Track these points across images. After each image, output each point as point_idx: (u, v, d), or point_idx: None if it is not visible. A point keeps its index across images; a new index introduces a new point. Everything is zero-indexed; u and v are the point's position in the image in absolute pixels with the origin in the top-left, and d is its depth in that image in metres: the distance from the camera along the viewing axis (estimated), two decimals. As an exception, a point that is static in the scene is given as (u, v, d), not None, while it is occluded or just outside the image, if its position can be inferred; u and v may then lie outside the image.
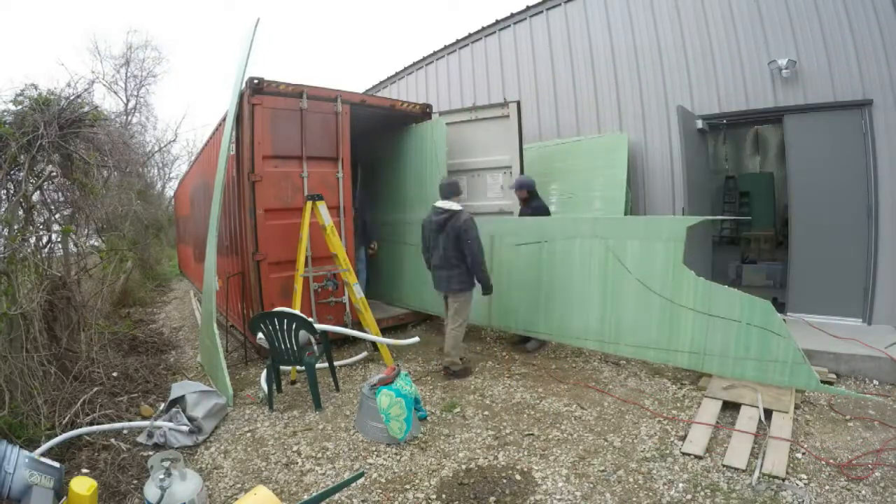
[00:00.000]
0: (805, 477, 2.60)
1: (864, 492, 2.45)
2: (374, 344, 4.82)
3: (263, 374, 4.14)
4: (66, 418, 3.19)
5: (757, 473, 2.61)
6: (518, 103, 5.55)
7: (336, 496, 2.60)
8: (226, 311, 6.14)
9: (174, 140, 23.18)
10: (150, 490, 2.33)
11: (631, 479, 2.68)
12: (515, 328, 4.99)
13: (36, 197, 3.76)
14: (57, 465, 2.44)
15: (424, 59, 9.13)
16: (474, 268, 4.20)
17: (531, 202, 5.07)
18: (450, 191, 4.33)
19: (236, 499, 2.57)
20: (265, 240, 4.75)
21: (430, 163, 5.65)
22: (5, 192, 3.59)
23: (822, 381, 3.41)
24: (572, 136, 6.72)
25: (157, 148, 18.99)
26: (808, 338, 4.24)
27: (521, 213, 5.19)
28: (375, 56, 59.15)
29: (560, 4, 6.88)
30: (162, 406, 3.67)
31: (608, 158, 5.91)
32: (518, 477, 2.77)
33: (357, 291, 4.62)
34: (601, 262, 4.20)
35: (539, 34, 7.18)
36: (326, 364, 4.14)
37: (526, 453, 3.02)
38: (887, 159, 4.64)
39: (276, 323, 3.69)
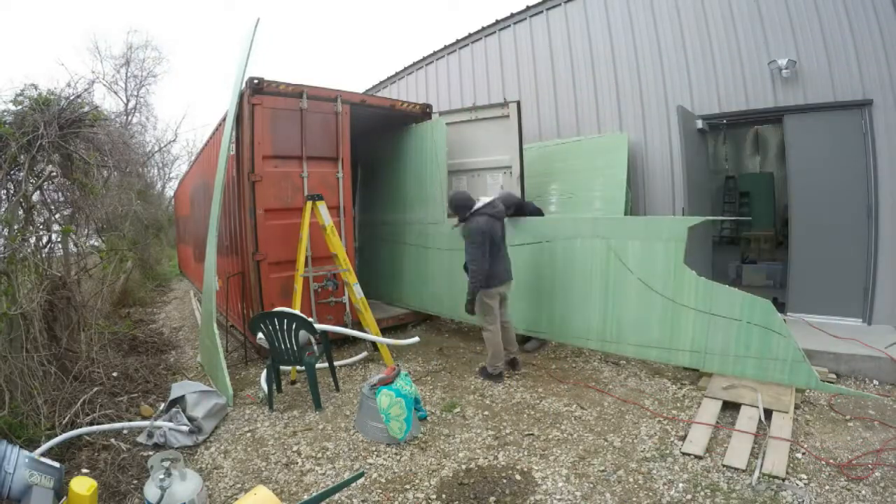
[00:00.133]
0: (805, 477, 2.60)
1: (864, 492, 2.45)
2: (374, 344, 4.82)
3: (263, 374, 4.14)
4: (66, 418, 3.19)
5: (757, 473, 2.61)
6: (518, 103, 5.54)
7: (336, 496, 2.60)
8: (226, 311, 6.14)
9: (174, 140, 23.21)
10: (150, 490, 2.33)
11: (631, 479, 2.68)
12: (516, 328, 4.98)
13: (36, 197, 3.76)
14: (57, 465, 2.44)
15: (424, 59, 9.13)
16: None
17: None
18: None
19: (236, 499, 2.57)
20: (265, 240, 4.75)
21: (430, 163, 5.65)
22: (5, 192, 3.59)
23: (822, 381, 3.41)
24: (572, 136, 6.72)
25: (157, 148, 19.02)
26: (808, 338, 4.24)
27: None
28: (375, 56, 59.16)
29: (560, 4, 6.87)
30: (162, 406, 3.67)
31: (608, 158, 5.90)
32: (518, 477, 2.77)
33: (357, 291, 4.62)
34: (602, 261, 4.20)
35: (539, 34, 7.18)
36: (326, 364, 4.14)
37: (526, 453, 3.02)
38: (887, 159, 4.64)
39: (276, 323, 3.69)
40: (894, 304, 4.63)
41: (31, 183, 3.61)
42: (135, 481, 2.83)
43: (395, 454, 3.07)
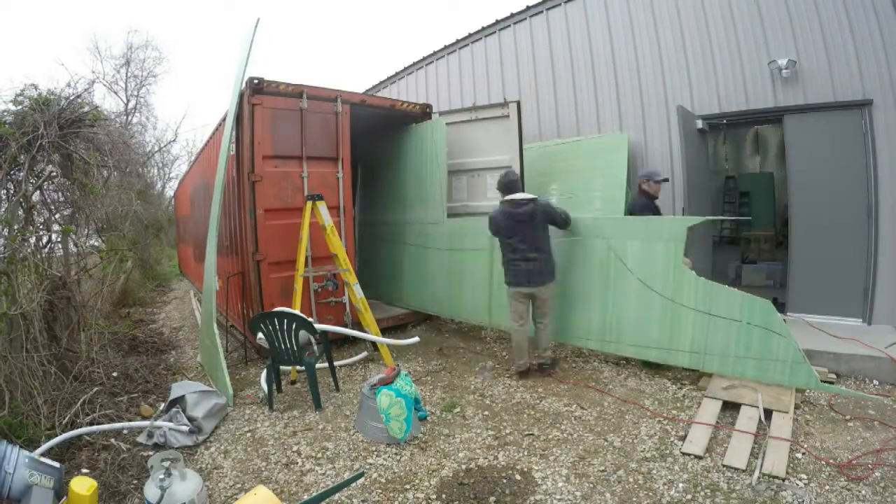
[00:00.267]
0: (805, 477, 2.59)
1: (864, 492, 2.45)
2: (374, 344, 4.81)
3: (263, 374, 4.14)
4: (66, 418, 3.19)
5: (757, 473, 2.61)
6: (518, 103, 5.54)
7: (336, 496, 2.60)
8: (226, 311, 6.14)
9: (174, 140, 23.23)
10: (150, 490, 2.33)
11: (631, 479, 2.68)
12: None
13: (36, 197, 3.76)
14: (57, 465, 2.44)
15: (424, 59, 9.13)
16: (567, 222, 4.33)
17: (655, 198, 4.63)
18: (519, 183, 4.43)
19: (236, 499, 2.57)
20: (265, 240, 4.75)
21: (430, 163, 5.65)
22: (5, 192, 3.59)
23: (822, 381, 3.41)
24: (572, 136, 6.71)
25: (157, 148, 19.03)
26: (808, 338, 4.24)
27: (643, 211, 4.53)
28: (375, 56, 59.20)
29: (560, 4, 6.87)
30: (162, 406, 3.67)
31: (608, 158, 5.90)
32: (518, 477, 2.77)
33: (357, 291, 4.62)
34: (602, 261, 4.20)
35: (539, 34, 7.17)
36: (326, 364, 4.14)
37: (526, 453, 3.02)
38: (887, 159, 4.63)
39: (276, 323, 3.69)
40: (894, 304, 4.62)
41: (31, 183, 3.61)
42: (135, 481, 2.83)
43: (395, 454, 3.07)
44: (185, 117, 49.39)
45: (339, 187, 5.28)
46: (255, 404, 3.94)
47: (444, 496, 2.62)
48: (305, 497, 2.60)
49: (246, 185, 4.70)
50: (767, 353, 3.36)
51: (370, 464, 2.98)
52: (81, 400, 3.37)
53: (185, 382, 3.92)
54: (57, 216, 4.12)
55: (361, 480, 2.75)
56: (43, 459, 2.41)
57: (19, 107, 3.61)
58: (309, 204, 4.52)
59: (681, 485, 2.59)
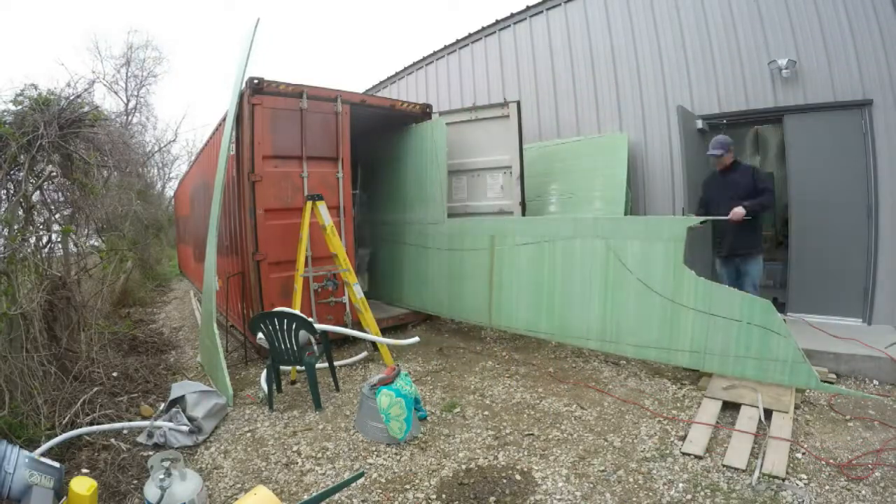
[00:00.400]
0: (805, 477, 2.59)
1: (864, 492, 2.45)
2: (374, 344, 4.81)
3: (263, 374, 4.14)
4: (66, 418, 3.19)
5: (757, 473, 2.61)
6: (518, 103, 5.55)
7: (336, 496, 2.60)
8: (226, 311, 6.14)
9: (174, 140, 23.22)
10: (150, 490, 2.33)
11: (631, 479, 2.68)
12: (517, 328, 4.98)
13: (36, 197, 3.76)
14: (57, 465, 2.44)
15: (424, 59, 9.13)
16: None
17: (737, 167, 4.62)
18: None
19: (236, 499, 2.57)
20: (265, 240, 4.75)
21: (430, 163, 5.66)
22: (5, 192, 3.58)
23: (822, 381, 3.41)
24: (572, 136, 6.72)
25: (157, 148, 19.04)
26: (808, 338, 4.24)
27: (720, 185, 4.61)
28: (375, 56, 59.17)
29: (560, 4, 6.88)
30: (162, 406, 3.67)
31: (608, 158, 5.91)
32: (518, 477, 2.77)
33: (357, 291, 4.62)
34: (602, 261, 4.20)
35: (539, 34, 7.18)
36: (326, 364, 4.14)
37: (526, 453, 3.02)
38: (887, 159, 4.64)
39: (276, 323, 3.69)
40: (894, 304, 4.62)
41: (31, 183, 3.61)
42: (135, 481, 2.83)
43: (395, 454, 3.07)
44: (185, 117, 49.49)
45: (339, 187, 5.28)
46: (255, 404, 3.94)
47: (444, 496, 2.62)
48: (305, 497, 2.60)
49: (246, 185, 4.70)
50: (767, 352, 3.36)
51: (370, 464, 2.98)
52: (81, 400, 3.37)
53: (185, 382, 3.92)
54: (57, 216, 4.12)
55: (361, 480, 2.75)
56: (43, 459, 2.41)
57: (19, 107, 3.60)
58: (309, 204, 4.52)
59: (681, 485, 2.59)
